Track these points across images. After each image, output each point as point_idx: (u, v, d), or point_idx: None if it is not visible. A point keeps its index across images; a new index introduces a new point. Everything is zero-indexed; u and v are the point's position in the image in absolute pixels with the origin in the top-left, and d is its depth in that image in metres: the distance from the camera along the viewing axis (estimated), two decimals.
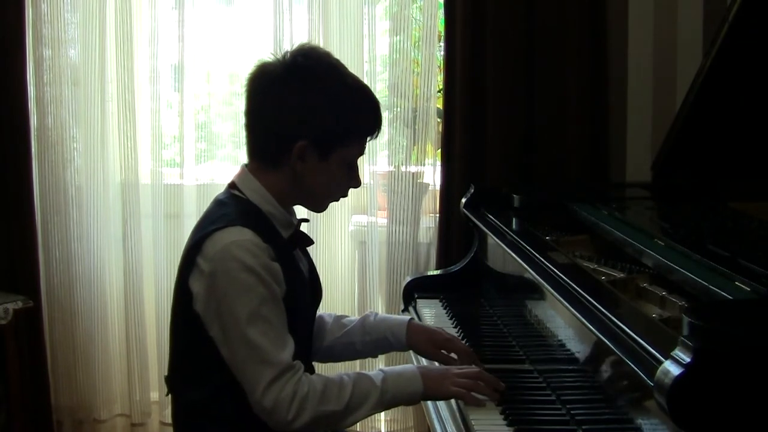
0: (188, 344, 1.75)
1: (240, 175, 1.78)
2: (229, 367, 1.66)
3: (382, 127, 1.83)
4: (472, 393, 1.71)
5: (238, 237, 1.64)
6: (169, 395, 1.84)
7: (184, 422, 1.80)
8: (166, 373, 1.83)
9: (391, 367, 1.77)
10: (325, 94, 1.72)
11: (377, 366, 2.77)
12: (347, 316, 2.03)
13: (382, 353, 2.03)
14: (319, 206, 1.88)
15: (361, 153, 1.81)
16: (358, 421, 1.74)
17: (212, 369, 1.70)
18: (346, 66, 1.81)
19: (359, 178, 1.82)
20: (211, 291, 1.65)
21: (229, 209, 1.72)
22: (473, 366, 1.81)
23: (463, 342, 2.01)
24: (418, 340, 1.92)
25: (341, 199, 1.87)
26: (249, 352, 1.63)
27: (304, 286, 1.83)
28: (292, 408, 1.62)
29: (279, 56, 1.75)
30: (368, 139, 1.79)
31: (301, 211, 1.90)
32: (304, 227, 1.88)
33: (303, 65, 1.73)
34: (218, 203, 1.77)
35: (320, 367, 1.97)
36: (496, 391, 1.72)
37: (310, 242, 1.89)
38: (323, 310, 2.01)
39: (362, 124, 1.77)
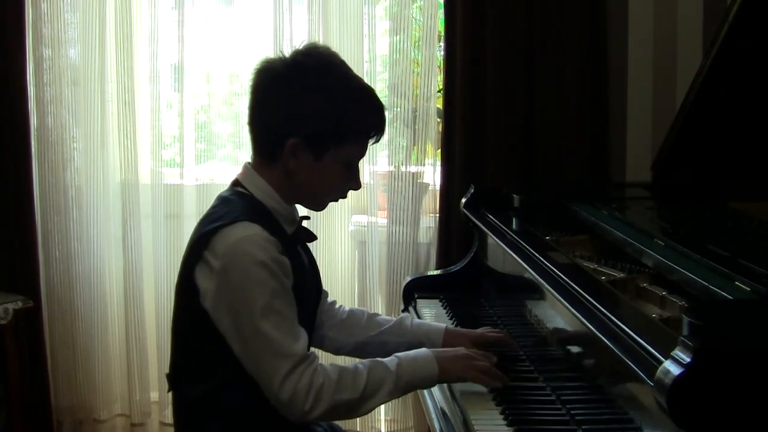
0: (191, 341, 1.75)
1: (243, 173, 1.79)
2: (231, 364, 1.67)
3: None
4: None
5: (246, 232, 1.65)
6: (170, 393, 1.84)
7: (185, 419, 1.81)
8: (167, 371, 1.84)
9: (405, 352, 1.77)
10: (321, 93, 1.71)
11: None
12: (380, 315, 2.05)
13: None
14: (316, 205, 1.89)
15: (362, 155, 1.80)
16: (373, 408, 1.75)
17: (215, 365, 1.70)
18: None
19: (359, 181, 1.82)
20: (223, 287, 1.65)
21: (234, 206, 1.72)
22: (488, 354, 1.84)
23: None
24: (456, 344, 1.90)
25: (340, 199, 1.87)
26: (264, 346, 1.63)
27: (307, 280, 1.84)
28: (309, 398, 1.63)
29: (284, 54, 1.76)
30: (370, 141, 1.78)
31: (301, 210, 1.90)
32: (305, 224, 1.88)
33: (303, 63, 1.73)
34: (222, 200, 1.77)
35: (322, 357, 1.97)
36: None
37: (314, 238, 1.89)
38: None
39: (360, 126, 1.76)
